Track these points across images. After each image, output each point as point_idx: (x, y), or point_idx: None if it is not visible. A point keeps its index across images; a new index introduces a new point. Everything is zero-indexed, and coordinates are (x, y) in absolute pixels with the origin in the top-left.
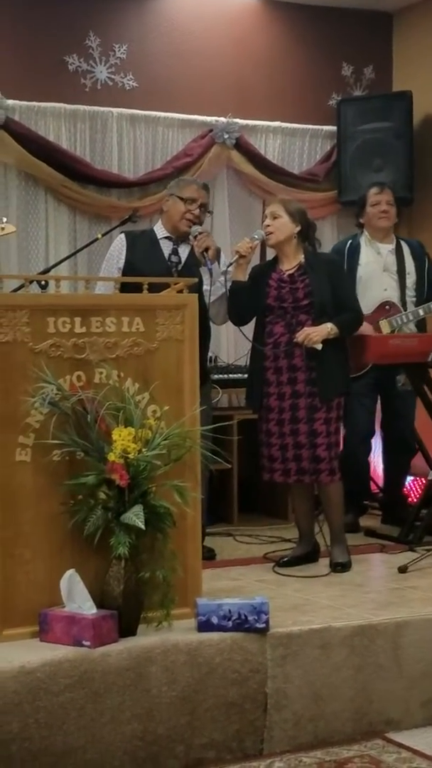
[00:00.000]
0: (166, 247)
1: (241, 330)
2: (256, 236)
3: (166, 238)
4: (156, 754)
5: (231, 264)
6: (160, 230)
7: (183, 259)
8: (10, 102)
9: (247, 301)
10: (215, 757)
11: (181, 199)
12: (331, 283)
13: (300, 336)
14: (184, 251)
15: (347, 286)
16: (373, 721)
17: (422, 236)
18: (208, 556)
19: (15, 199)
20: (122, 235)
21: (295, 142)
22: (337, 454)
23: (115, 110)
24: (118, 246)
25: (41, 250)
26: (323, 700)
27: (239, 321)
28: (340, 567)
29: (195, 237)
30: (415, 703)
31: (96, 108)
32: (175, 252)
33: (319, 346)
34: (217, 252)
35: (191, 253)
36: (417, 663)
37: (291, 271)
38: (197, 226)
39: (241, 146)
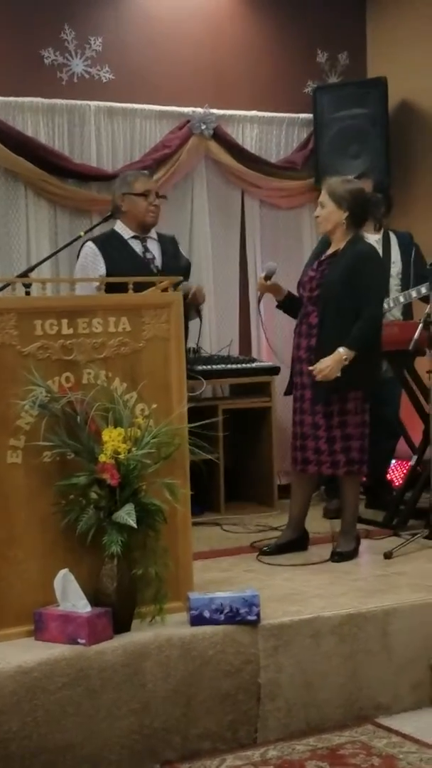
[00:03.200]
0: (137, 246)
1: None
2: (266, 272)
3: (133, 237)
4: (153, 746)
5: (260, 308)
6: (124, 231)
7: (157, 255)
8: None
9: (298, 305)
10: (211, 747)
11: (138, 195)
12: (350, 274)
13: (318, 375)
14: (153, 246)
15: (369, 279)
16: (363, 706)
17: (399, 221)
18: None
19: None
20: (91, 244)
21: (272, 131)
22: (342, 448)
23: (93, 103)
24: (91, 255)
25: (22, 245)
26: (314, 688)
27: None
28: (337, 556)
29: (186, 297)
30: (405, 687)
31: (73, 101)
32: (146, 249)
33: (339, 373)
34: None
35: (164, 249)
36: (405, 649)
37: (325, 258)
38: (190, 284)
39: (219, 136)
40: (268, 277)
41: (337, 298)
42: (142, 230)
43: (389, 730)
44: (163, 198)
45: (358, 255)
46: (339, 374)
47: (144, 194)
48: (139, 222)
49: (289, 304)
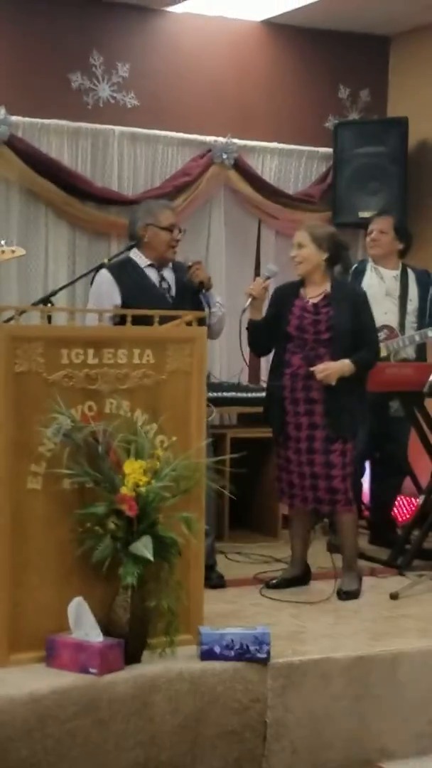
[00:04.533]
0: (153, 275)
1: (242, 352)
2: (267, 273)
3: (149, 266)
4: None
5: (245, 309)
6: (140, 259)
7: (172, 285)
8: (14, 118)
9: (266, 336)
10: None
11: (162, 228)
12: (353, 315)
13: (319, 374)
14: (169, 275)
15: (367, 319)
16: (368, 749)
17: (414, 259)
18: (219, 583)
19: (16, 215)
20: (105, 272)
21: (292, 163)
22: (352, 485)
23: (117, 128)
24: (107, 284)
25: (40, 266)
26: (321, 730)
27: (260, 354)
28: (344, 595)
29: (189, 267)
30: (409, 734)
31: (98, 126)
32: (163, 278)
33: (333, 383)
34: (209, 280)
35: (178, 278)
36: (412, 694)
37: (315, 300)
38: (190, 257)
39: (239, 166)
40: (267, 280)
41: (347, 339)
42: (161, 263)
43: None
44: (183, 231)
45: (357, 296)
46: (334, 383)
47: (169, 229)
48: (160, 255)
49: (260, 328)
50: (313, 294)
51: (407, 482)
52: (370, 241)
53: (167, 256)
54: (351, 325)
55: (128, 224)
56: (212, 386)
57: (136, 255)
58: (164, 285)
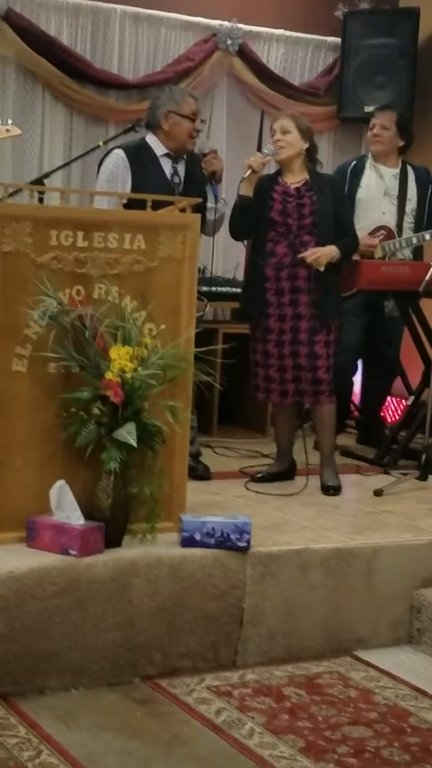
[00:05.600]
0: (167, 166)
1: (244, 244)
2: (267, 151)
3: (165, 155)
4: (135, 661)
5: (243, 179)
6: (158, 147)
7: (182, 178)
8: None
9: (252, 216)
10: (191, 666)
11: (185, 117)
12: (334, 202)
13: (309, 256)
14: (182, 169)
15: (348, 211)
16: (343, 639)
17: (419, 156)
18: (204, 474)
19: (12, 94)
20: (121, 153)
21: (298, 52)
22: (343, 382)
23: (119, 7)
24: (122, 165)
25: (35, 148)
26: (297, 618)
27: (242, 236)
28: (332, 490)
29: (204, 155)
30: (384, 624)
31: (99, 3)
32: (176, 171)
33: (323, 268)
34: (222, 172)
35: (188, 170)
36: (389, 587)
37: (297, 185)
38: (207, 143)
39: (244, 53)
40: (266, 157)
41: (330, 225)
42: (179, 152)
43: (367, 664)
44: (203, 122)
45: (336, 185)
46: (323, 269)
47: (191, 117)
48: (179, 144)
49: (250, 204)
50: (294, 181)
51: (398, 383)
52: (371, 137)
53: (186, 147)
54: (333, 212)
55: (148, 110)
56: (207, 280)
57: (153, 141)
58: (176, 179)
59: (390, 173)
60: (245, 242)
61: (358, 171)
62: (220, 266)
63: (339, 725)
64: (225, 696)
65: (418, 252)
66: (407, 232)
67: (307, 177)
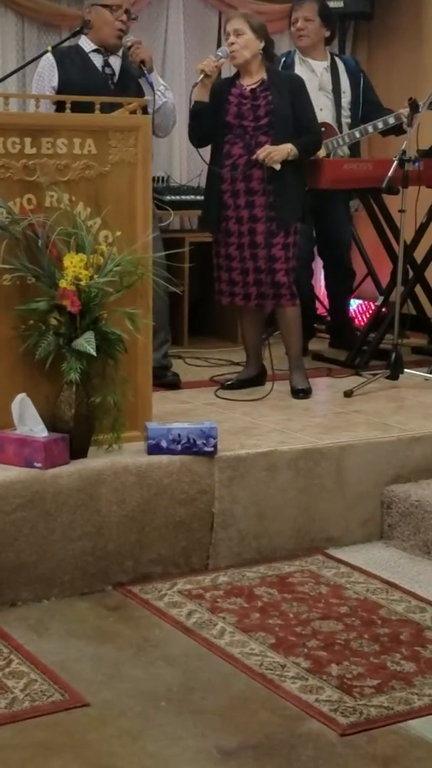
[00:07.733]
0: (97, 60)
1: (198, 152)
2: (220, 53)
3: (94, 51)
4: (105, 568)
5: (195, 84)
6: (87, 44)
7: (117, 71)
8: None
9: (209, 122)
10: (162, 571)
11: (105, 6)
12: (293, 101)
13: (261, 153)
14: (115, 62)
15: (307, 105)
16: (314, 538)
17: (381, 53)
18: (173, 381)
19: None
20: (49, 55)
21: None
22: (294, 280)
23: None
24: (47, 65)
25: None
26: (267, 520)
27: (200, 143)
28: (302, 393)
29: (128, 48)
30: (355, 521)
31: None
32: (107, 64)
33: (278, 167)
34: (151, 60)
35: (123, 64)
36: (358, 485)
37: (253, 86)
38: (129, 36)
39: None
40: (219, 60)
41: (287, 125)
42: (105, 46)
43: (339, 561)
44: (133, 19)
45: (295, 81)
46: (278, 167)
47: (111, 7)
48: (102, 38)
49: (205, 110)
50: (250, 82)
51: (369, 286)
52: (295, 31)
53: (109, 39)
54: (291, 111)
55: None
56: (172, 189)
57: (83, 41)
58: (107, 71)
59: (321, 67)
60: (199, 151)
61: (287, 67)
62: (185, 174)
63: (309, 621)
64: (197, 599)
65: (354, 147)
66: (345, 127)
67: (265, 76)
